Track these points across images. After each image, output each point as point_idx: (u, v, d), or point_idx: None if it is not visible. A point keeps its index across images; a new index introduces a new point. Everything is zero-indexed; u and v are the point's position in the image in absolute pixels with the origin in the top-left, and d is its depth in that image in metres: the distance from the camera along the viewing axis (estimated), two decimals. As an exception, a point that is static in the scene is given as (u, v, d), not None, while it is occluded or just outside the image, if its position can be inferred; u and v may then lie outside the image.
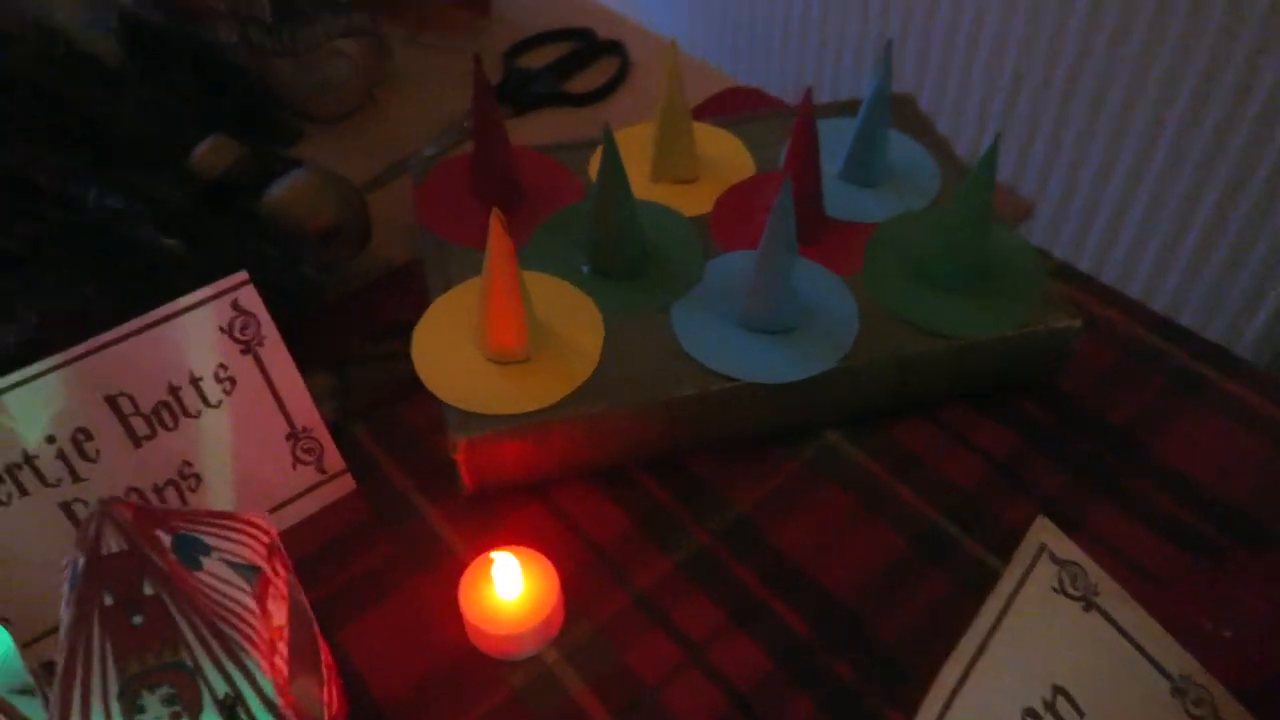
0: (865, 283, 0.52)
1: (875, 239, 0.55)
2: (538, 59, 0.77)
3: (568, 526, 0.47)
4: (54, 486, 0.42)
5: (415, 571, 0.46)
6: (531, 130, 0.71)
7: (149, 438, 0.44)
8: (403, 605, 0.45)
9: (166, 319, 0.43)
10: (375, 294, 0.59)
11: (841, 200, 0.57)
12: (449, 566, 0.46)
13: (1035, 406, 0.52)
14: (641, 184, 0.58)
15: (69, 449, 0.42)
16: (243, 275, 0.44)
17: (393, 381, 0.53)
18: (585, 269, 0.53)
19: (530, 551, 0.44)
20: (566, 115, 0.73)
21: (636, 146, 0.59)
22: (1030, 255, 0.54)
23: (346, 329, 0.56)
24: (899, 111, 0.63)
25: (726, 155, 0.60)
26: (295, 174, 0.53)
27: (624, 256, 0.52)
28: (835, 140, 0.59)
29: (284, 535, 0.47)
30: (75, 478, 0.42)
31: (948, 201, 0.57)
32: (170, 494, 0.45)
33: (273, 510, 0.47)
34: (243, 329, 0.45)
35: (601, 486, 0.49)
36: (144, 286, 0.46)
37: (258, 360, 0.45)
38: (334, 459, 0.48)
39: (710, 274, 0.53)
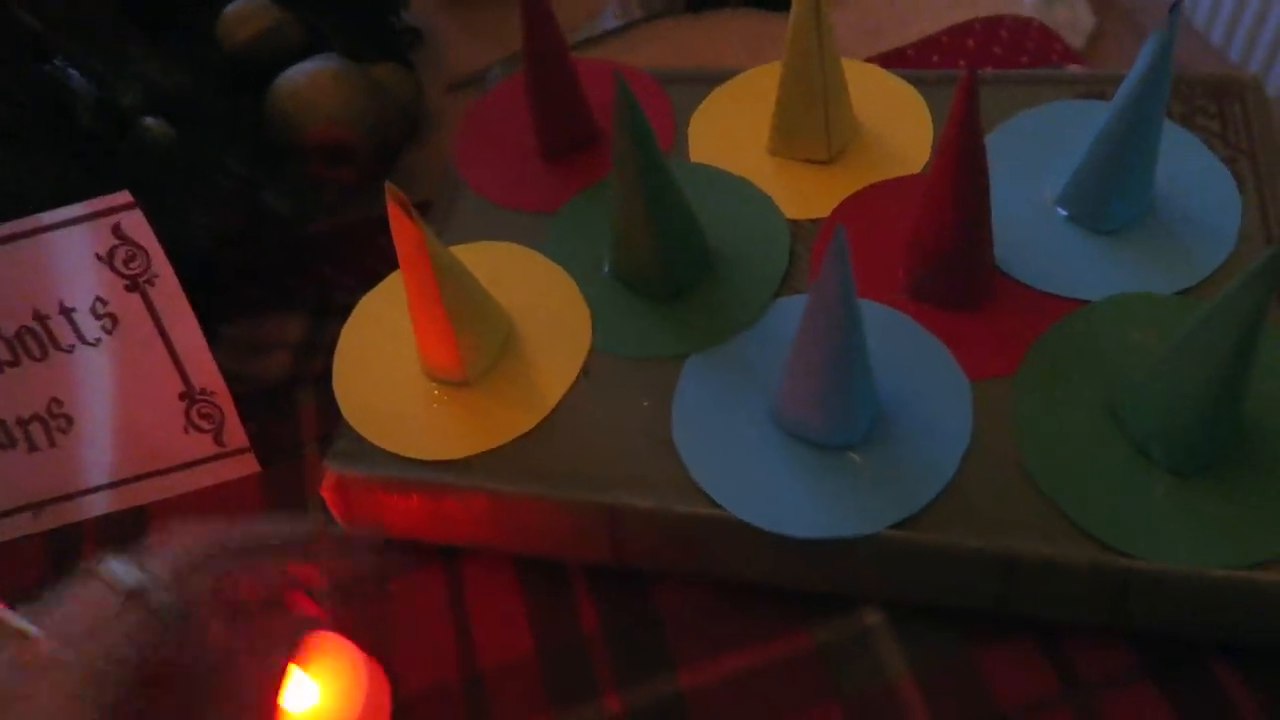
0: (1013, 404, 0.32)
1: (1055, 334, 0.33)
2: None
3: (457, 627, 0.35)
4: (-99, 395, 0.37)
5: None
6: (701, 37, 0.54)
7: (11, 363, 0.37)
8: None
9: (26, 234, 0.35)
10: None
11: (1043, 248, 0.36)
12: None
13: (1232, 674, 0.30)
14: (753, 155, 0.40)
15: (-85, 359, 0.36)
16: (124, 196, 0.35)
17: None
18: (605, 269, 0.38)
19: (361, 658, 0.32)
20: (757, 20, 0.55)
21: (769, 96, 0.40)
22: (1339, 435, 0.30)
23: (347, 263, 0.46)
24: (1210, 106, 0.38)
25: (895, 131, 0.40)
26: (309, 64, 0.42)
27: (645, 272, 0.36)
28: (1073, 140, 0.37)
29: (160, 508, 0.39)
30: (-75, 391, 0.37)
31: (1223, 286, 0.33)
32: (37, 430, 0.38)
33: (156, 475, 0.39)
34: (127, 261, 0.36)
35: (523, 577, 0.35)
36: (97, 173, 0.39)
37: (146, 300, 0.37)
38: (235, 432, 0.39)
39: (771, 320, 0.35)
